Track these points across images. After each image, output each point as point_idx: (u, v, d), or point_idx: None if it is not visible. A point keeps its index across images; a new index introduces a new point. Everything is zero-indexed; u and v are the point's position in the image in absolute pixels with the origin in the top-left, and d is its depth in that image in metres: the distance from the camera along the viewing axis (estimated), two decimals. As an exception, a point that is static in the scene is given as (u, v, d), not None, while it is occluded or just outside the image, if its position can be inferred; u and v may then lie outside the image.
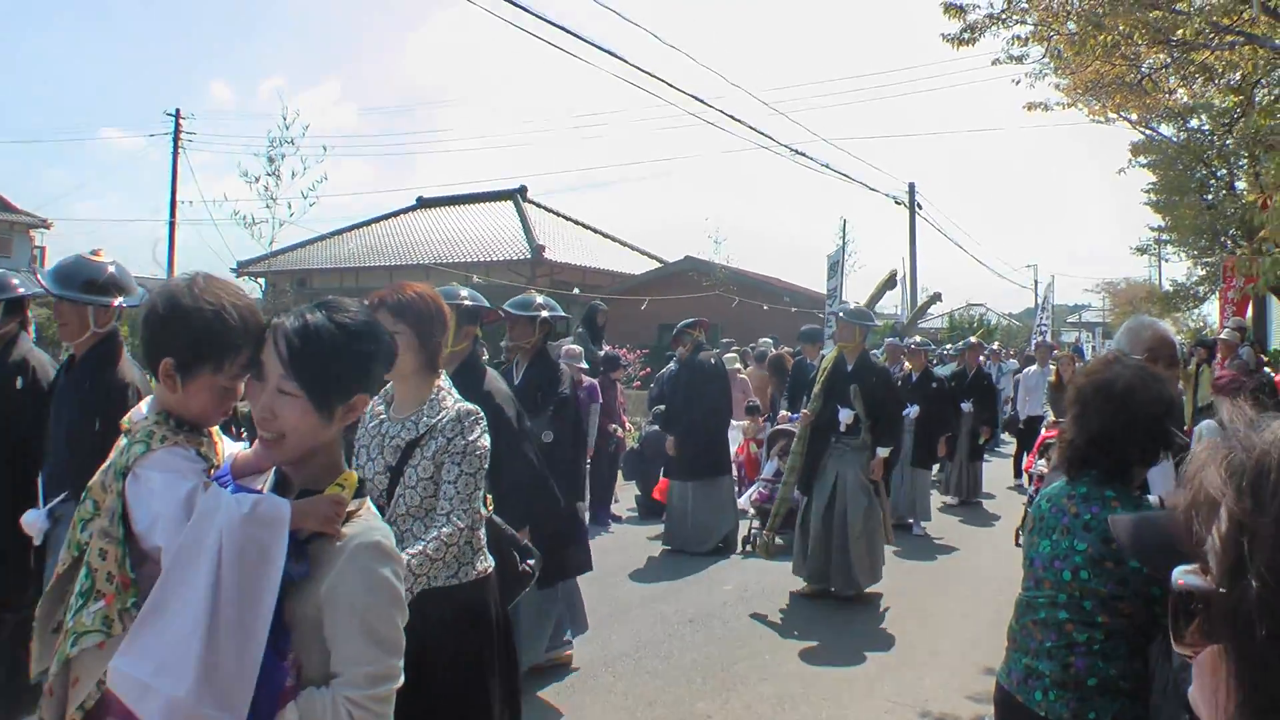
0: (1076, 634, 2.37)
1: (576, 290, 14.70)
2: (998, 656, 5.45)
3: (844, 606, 6.85)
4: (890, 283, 7.31)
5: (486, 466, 2.95)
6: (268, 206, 12.42)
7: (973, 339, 14.35)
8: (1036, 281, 52.32)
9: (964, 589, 7.49)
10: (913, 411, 9.95)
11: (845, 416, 6.85)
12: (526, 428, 4.20)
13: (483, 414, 3.00)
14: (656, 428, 9.26)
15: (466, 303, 4.22)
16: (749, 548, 8.21)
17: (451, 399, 2.99)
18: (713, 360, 8.85)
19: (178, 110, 30.98)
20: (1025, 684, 2.46)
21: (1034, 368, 13.33)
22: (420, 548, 2.76)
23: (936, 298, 13.96)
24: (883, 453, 6.94)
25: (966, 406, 11.65)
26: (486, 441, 2.96)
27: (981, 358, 13.33)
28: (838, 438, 6.96)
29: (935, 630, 6.37)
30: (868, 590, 7.02)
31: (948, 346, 16.82)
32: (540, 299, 5.57)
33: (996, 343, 21.95)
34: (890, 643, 6.13)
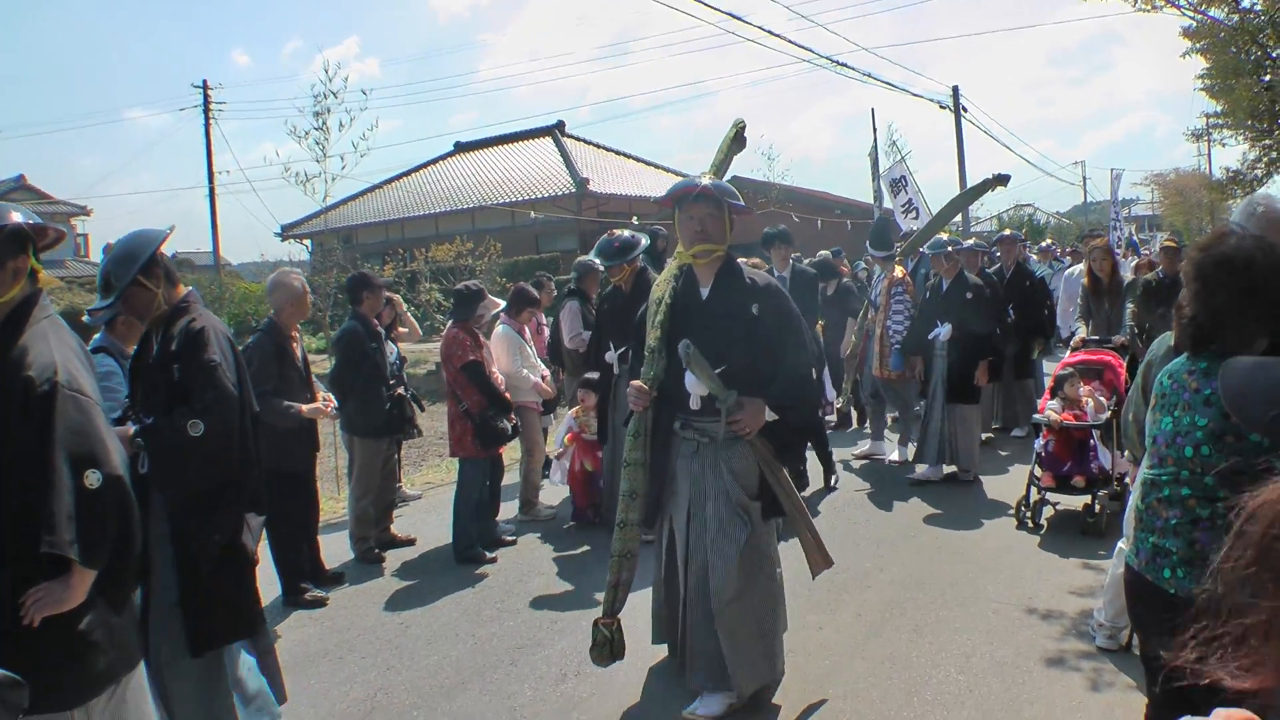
0: (1199, 509, 2.42)
1: (635, 219, 14.70)
2: (1097, 549, 5.63)
3: (953, 498, 6.98)
4: (739, 140, 4.56)
5: None
6: (318, 161, 12.43)
7: (1005, 231, 11.99)
8: (1085, 178, 51.49)
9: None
10: (943, 332, 7.86)
11: (693, 385, 3.94)
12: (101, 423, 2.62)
13: None
14: None
15: None
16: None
17: None
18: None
19: (205, 81, 31.33)
20: (1153, 563, 2.53)
21: (1079, 267, 10.19)
22: None
23: (1000, 180, 11.13)
24: (750, 412, 3.92)
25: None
26: None
27: (1035, 256, 11.62)
28: (685, 422, 4.09)
29: (1031, 533, 6.48)
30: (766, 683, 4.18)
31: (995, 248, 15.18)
32: (149, 235, 3.62)
33: (1048, 239, 21.37)
34: (989, 545, 6.25)
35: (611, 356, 6.66)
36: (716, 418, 3.95)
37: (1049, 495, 6.61)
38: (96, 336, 4.27)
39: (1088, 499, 6.36)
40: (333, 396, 5.97)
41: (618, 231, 6.73)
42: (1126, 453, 7.07)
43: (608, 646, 4.15)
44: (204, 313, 3.65)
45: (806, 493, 7.61)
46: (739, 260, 4.22)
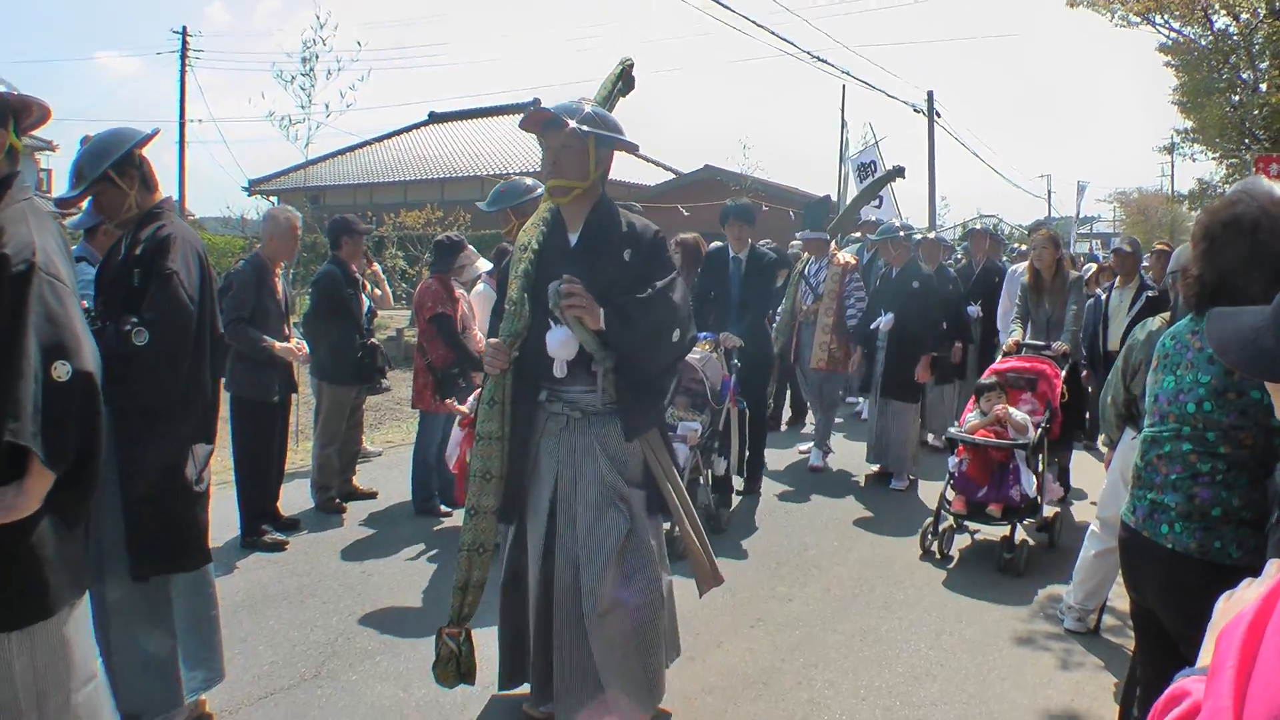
0: (1200, 464, 2.46)
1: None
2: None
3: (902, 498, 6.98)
4: (626, 79, 3.82)
5: None
6: (303, 108, 12.21)
7: (976, 226, 12.11)
8: (1050, 192, 52.03)
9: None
10: (884, 322, 7.37)
11: (557, 344, 3.26)
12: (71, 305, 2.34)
13: None
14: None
15: None
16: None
17: None
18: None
19: (184, 27, 30.87)
20: (1151, 519, 2.56)
21: (1020, 265, 8.59)
22: None
23: (898, 172, 10.85)
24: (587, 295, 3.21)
25: (974, 311, 8.90)
26: None
27: (1006, 259, 10.84)
28: (552, 393, 3.39)
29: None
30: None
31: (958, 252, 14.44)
32: (127, 132, 3.45)
33: (1021, 245, 21.62)
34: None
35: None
36: (590, 386, 3.33)
37: (967, 522, 5.73)
38: (75, 247, 4.12)
39: (1006, 530, 5.51)
40: (305, 343, 5.86)
41: (515, 179, 5.90)
42: (1061, 475, 6.74)
43: (453, 663, 3.40)
44: (176, 221, 3.43)
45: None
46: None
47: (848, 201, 11.62)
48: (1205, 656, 1.02)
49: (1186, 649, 2.43)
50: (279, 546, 5.56)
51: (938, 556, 5.67)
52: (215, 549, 5.39)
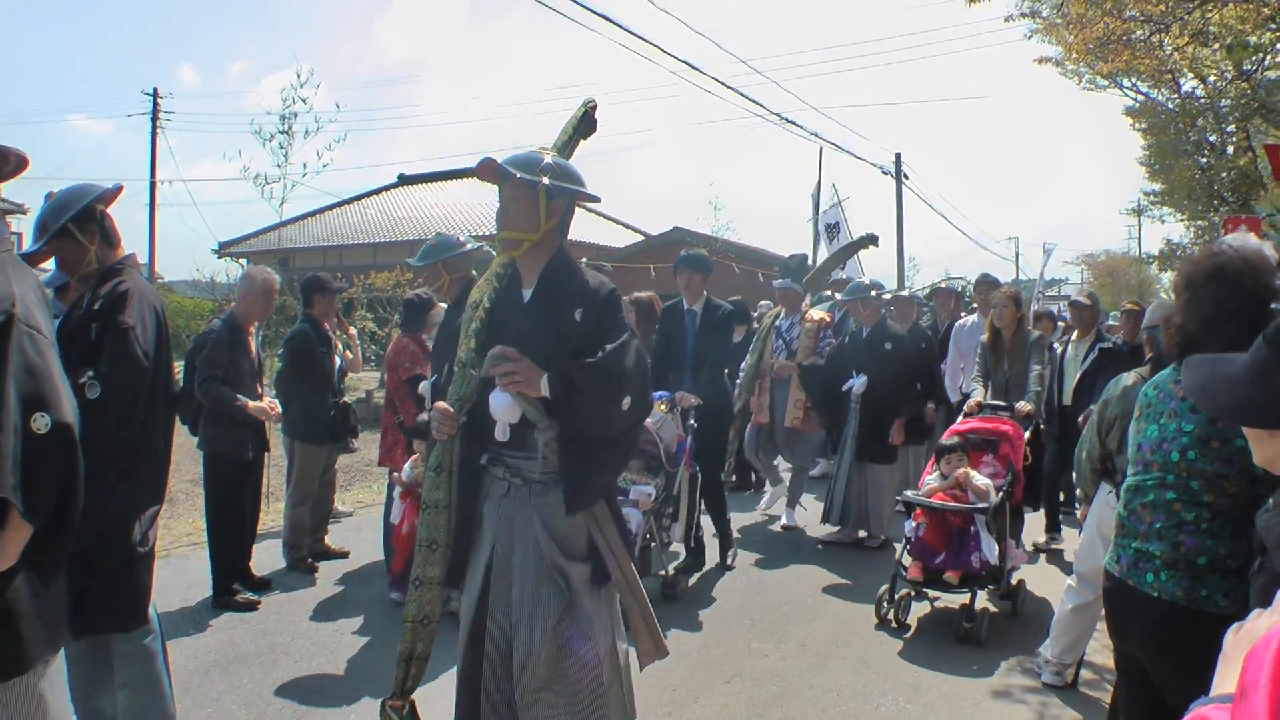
0: (1184, 513, 2.47)
1: (584, 260, 14.77)
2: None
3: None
4: (588, 121, 3.61)
5: None
6: (279, 166, 12.30)
7: (942, 283, 11.07)
8: (1018, 253, 52.87)
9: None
10: (857, 384, 7.17)
11: (501, 408, 3.05)
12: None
13: None
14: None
15: None
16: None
17: None
18: None
19: (155, 89, 31.01)
20: (1136, 568, 2.56)
21: (971, 319, 8.59)
22: None
23: (871, 240, 11.01)
24: (525, 366, 2.97)
25: (942, 368, 8.55)
26: None
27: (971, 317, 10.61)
28: (494, 457, 3.19)
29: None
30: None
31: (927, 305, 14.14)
32: (89, 187, 3.49)
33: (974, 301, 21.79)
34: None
35: (425, 387, 5.11)
36: (531, 453, 3.08)
37: (925, 590, 5.43)
38: None
39: (966, 598, 5.26)
40: (278, 402, 5.84)
41: (447, 235, 5.67)
42: (1024, 543, 6.51)
43: None
44: (137, 279, 3.40)
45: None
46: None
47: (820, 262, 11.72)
48: (1225, 684, 1.03)
49: (1173, 698, 2.43)
50: (251, 606, 5.49)
51: (894, 625, 5.42)
52: (187, 609, 5.42)
